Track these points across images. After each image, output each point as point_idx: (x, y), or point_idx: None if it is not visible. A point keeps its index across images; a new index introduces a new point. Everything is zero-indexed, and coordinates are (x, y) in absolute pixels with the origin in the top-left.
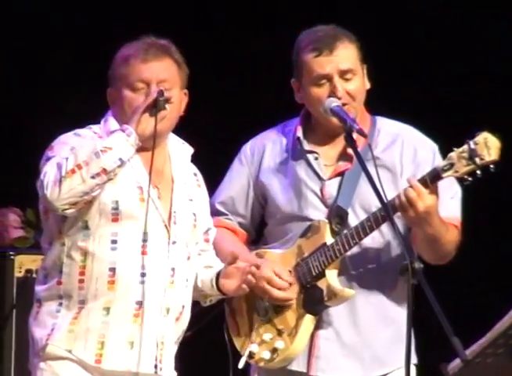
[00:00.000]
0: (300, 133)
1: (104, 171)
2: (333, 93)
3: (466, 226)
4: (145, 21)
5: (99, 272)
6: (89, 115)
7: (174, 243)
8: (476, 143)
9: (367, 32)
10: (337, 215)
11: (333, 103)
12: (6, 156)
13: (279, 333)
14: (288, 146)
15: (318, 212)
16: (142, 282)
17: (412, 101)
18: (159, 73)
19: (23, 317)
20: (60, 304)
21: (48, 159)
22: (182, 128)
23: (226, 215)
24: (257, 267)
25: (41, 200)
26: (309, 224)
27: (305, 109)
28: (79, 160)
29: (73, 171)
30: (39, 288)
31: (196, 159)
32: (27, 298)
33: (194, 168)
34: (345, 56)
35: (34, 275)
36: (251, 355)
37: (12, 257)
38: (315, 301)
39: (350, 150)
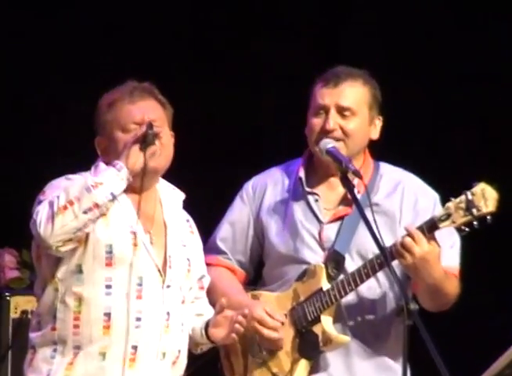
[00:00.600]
0: (302, 174)
1: (96, 205)
2: (323, 125)
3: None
4: (144, 22)
5: (94, 318)
6: (87, 154)
7: (168, 287)
8: (473, 194)
9: (367, 32)
10: (334, 260)
11: (329, 144)
12: (2, 197)
13: None
14: (290, 187)
15: (314, 255)
16: (138, 327)
17: (412, 101)
18: (148, 112)
19: (19, 358)
20: (55, 350)
21: (40, 202)
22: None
23: (226, 253)
24: (245, 316)
25: (35, 239)
26: (305, 268)
27: (308, 149)
28: (70, 197)
29: (65, 208)
30: (33, 335)
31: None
32: (23, 339)
33: (186, 215)
34: (349, 93)
35: (30, 316)
36: None
37: (7, 298)
38: (310, 347)
39: (349, 196)
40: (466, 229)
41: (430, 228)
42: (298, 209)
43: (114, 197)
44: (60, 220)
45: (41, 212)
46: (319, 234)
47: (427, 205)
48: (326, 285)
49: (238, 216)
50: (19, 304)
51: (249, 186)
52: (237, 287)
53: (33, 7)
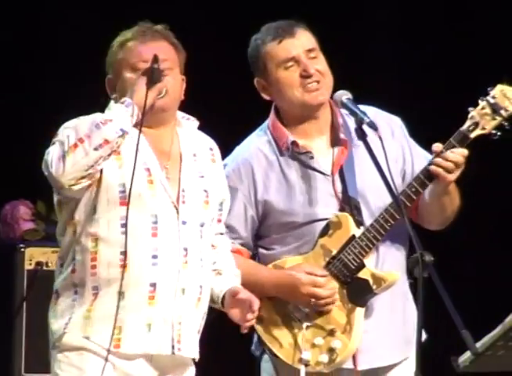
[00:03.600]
0: (291, 137)
1: (106, 141)
2: (304, 72)
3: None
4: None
5: (111, 257)
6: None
7: (184, 223)
8: (494, 97)
9: (365, 29)
10: (353, 206)
11: (344, 95)
12: (16, 149)
13: (331, 333)
14: (276, 156)
15: (329, 209)
16: (155, 264)
17: (412, 101)
18: (159, 52)
19: (34, 309)
20: (76, 292)
21: (53, 144)
22: None
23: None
24: (253, 311)
25: (49, 180)
26: (327, 222)
27: (273, 108)
28: (80, 135)
29: (75, 146)
30: (57, 280)
31: None
32: (38, 291)
33: (211, 143)
34: (306, 36)
35: (45, 267)
36: (306, 363)
37: (22, 249)
38: (361, 293)
39: (342, 135)
40: (498, 133)
41: (461, 141)
42: (297, 173)
43: (124, 133)
44: (71, 158)
45: (51, 152)
46: (333, 187)
47: (399, 131)
48: (357, 231)
49: (231, 205)
50: (34, 255)
51: (230, 172)
52: (254, 265)
53: None
